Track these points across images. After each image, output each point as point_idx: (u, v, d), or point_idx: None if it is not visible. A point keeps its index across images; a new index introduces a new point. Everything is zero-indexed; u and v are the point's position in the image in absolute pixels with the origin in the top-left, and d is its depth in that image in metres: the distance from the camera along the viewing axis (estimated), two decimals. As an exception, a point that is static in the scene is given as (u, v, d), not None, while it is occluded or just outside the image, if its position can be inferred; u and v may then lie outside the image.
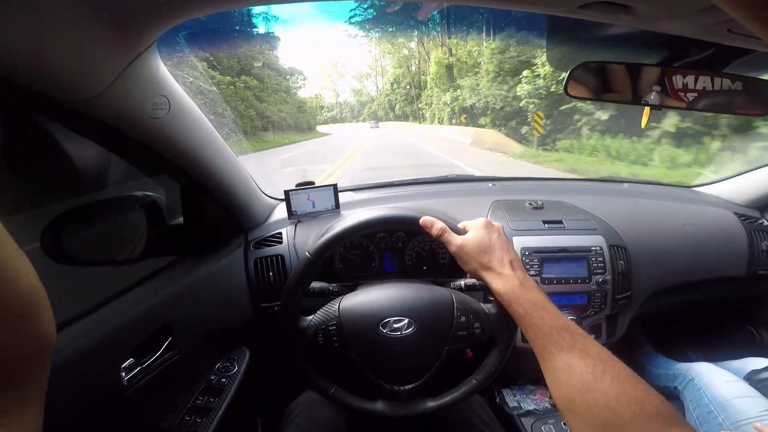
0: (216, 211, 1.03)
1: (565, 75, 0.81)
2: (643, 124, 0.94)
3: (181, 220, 1.00)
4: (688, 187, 1.70)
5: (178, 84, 0.76)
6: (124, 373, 0.76)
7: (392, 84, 69.65)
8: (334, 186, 1.28)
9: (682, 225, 1.36)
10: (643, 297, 1.26)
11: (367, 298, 0.80)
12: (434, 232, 0.74)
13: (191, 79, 0.93)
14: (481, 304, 0.79)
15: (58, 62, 0.52)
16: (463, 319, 0.76)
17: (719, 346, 1.53)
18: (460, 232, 0.75)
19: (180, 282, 0.94)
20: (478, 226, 0.74)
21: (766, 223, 1.44)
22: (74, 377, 0.67)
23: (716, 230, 1.38)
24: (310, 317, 0.79)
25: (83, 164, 0.88)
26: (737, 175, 1.57)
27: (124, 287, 0.87)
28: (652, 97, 0.81)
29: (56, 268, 0.80)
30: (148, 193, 0.93)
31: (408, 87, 62.75)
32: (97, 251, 0.92)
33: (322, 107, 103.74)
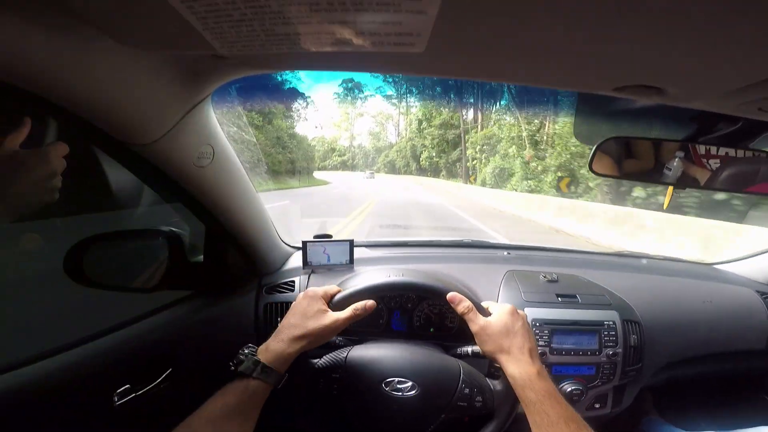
0: (235, 254, 1.07)
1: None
2: (665, 205, 0.94)
3: (200, 257, 1.04)
4: (709, 264, 1.67)
5: (223, 133, 0.81)
6: (117, 398, 0.77)
7: (420, 122, 50.70)
8: (351, 242, 1.30)
9: (701, 302, 1.33)
10: (655, 369, 1.23)
11: (377, 354, 0.81)
12: (460, 309, 0.77)
13: (234, 128, 1.00)
14: (487, 379, 0.80)
15: (127, 108, 0.56)
16: (467, 391, 0.76)
17: (732, 415, 1.45)
18: (485, 312, 0.78)
19: (190, 317, 0.97)
20: (503, 311, 0.76)
21: None
22: (69, 394, 0.70)
23: (736, 307, 1.35)
24: (316, 360, 0.80)
25: (117, 184, 0.94)
26: (760, 253, 1.54)
27: (137, 315, 0.90)
28: (677, 176, 0.82)
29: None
30: (173, 229, 0.98)
31: (444, 129, 44.60)
32: (116, 276, 0.96)
33: (333, 150, 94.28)
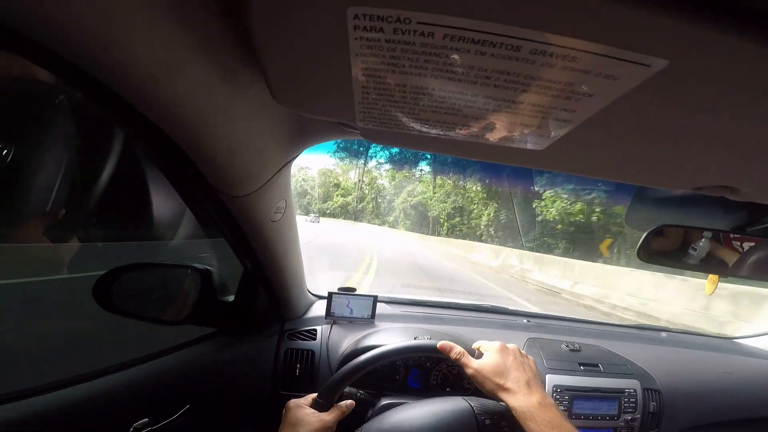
0: (265, 298, 1.08)
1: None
2: (708, 291, 0.94)
3: (229, 297, 1.03)
4: (730, 338, 1.69)
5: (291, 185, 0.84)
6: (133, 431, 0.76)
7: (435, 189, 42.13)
8: (375, 297, 1.32)
9: (721, 372, 1.36)
10: None
11: (390, 425, 0.80)
12: (452, 356, 0.79)
13: (301, 182, 1.03)
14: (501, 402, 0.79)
15: (241, 158, 0.58)
16: (488, 422, 0.76)
17: None
18: (476, 355, 0.79)
19: (213, 355, 0.97)
20: (493, 350, 0.78)
21: None
22: (87, 425, 0.68)
23: (756, 378, 1.39)
24: None
25: (160, 214, 0.95)
26: None
27: (164, 348, 0.90)
28: (724, 265, 0.84)
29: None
30: (208, 267, 0.98)
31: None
32: (143, 306, 0.94)
33: (337, 185, 68.60)
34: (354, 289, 1.32)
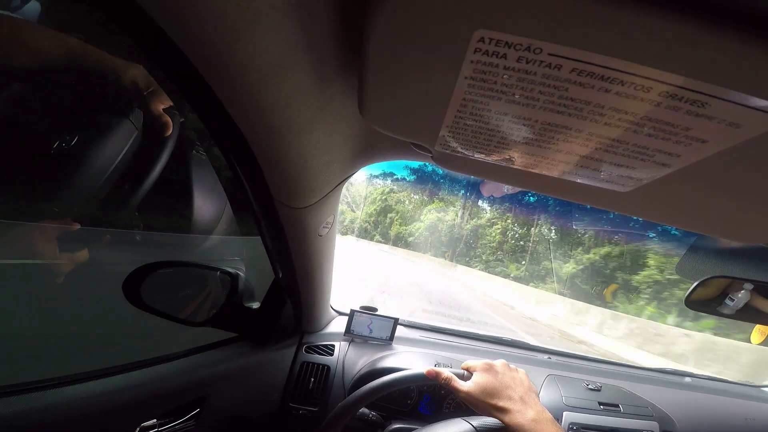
0: (290, 308, 1.06)
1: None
2: (756, 341, 0.92)
3: (253, 303, 1.02)
4: (757, 386, 1.66)
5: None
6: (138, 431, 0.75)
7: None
8: (396, 320, 1.31)
9: (743, 419, 1.35)
10: None
11: None
12: (441, 381, 0.76)
13: (349, 199, 1.03)
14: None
15: (308, 169, 0.56)
16: None
17: None
18: (465, 377, 0.77)
19: (231, 361, 0.96)
20: (480, 371, 0.76)
21: None
22: (92, 427, 0.67)
23: None
24: None
25: (200, 209, 0.95)
26: None
27: (181, 351, 0.89)
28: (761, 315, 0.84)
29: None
30: (239, 272, 0.97)
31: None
32: (169, 305, 0.93)
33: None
34: (376, 309, 1.30)
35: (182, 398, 0.83)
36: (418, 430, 0.82)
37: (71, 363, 0.74)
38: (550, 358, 1.51)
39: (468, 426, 0.77)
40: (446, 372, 0.76)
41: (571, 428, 1.12)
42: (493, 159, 0.40)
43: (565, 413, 1.14)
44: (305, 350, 1.16)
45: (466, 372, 0.78)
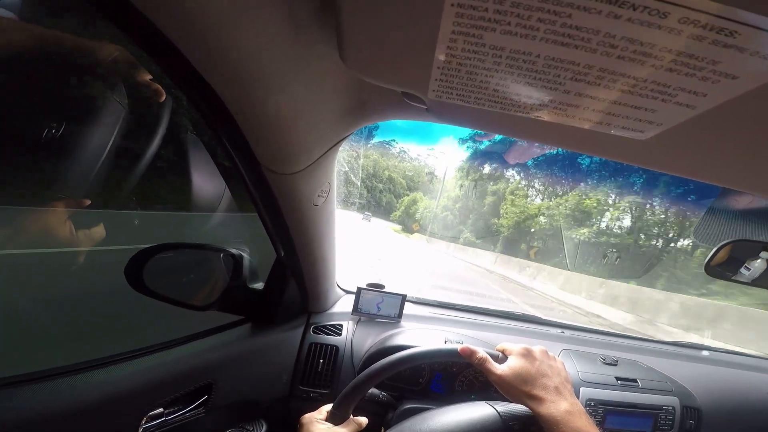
0: (295, 288, 1.05)
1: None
2: None
3: (258, 285, 1.01)
4: None
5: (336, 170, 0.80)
6: (144, 421, 0.74)
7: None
8: (404, 296, 1.29)
9: (764, 393, 1.33)
10: None
11: None
12: (474, 361, 0.74)
13: (347, 168, 1.00)
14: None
15: (292, 132, 0.54)
16: (517, 427, 0.72)
17: None
18: (500, 359, 0.75)
19: (238, 345, 0.95)
20: (517, 355, 0.74)
21: None
22: (98, 415, 0.66)
23: None
24: None
25: (200, 186, 0.93)
26: None
27: (186, 336, 0.88)
28: None
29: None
30: (242, 252, 0.95)
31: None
32: (172, 289, 0.93)
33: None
34: (383, 286, 1.28)
35: (189, 384, 0.82)
36: (434, 411, 0.79)
37: (78, 351, 0.74)
38: (563, 332, 1.49)
39: (491, 410, 0.74)
40: (481, 352, 0.74)
41: (589, 404, 1.10)
42: (491, 106, 0.37)
43: (582, 389, 1.12)
44: (313, 331, 1.14)
45: (501, 354, 0.76)
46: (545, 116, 0.37)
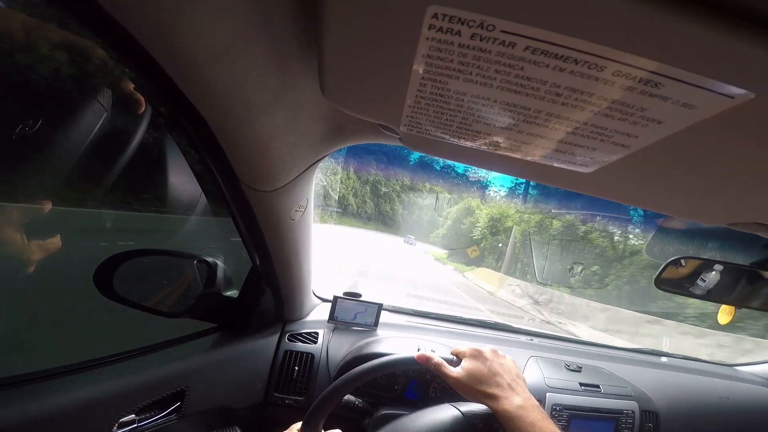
0: (270, 297, 1.05)
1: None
2: (723, 321, 0.95)
3: (232, 292, 1.00)
4: (729, 365, 1.73)
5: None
6: (116, 427, 0.73)
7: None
8: (380, 305, 1.30)
9: (718, 398, 1.41)
10: None
11: None
12: (431, 367, 0.76)
13: (324, 183, 1.01)
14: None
15: (273, 151, 0.55)
16: (481, 425, 0.74)
17: None
18: (454, 362, 0.77)
19: (211, 352, 0.94)
20: (469, 357, 0.76)
21: None
22: (69, 422, 0.65)
23: (753, 404, 1.46)
24: None
25: (176, 189, 0.92)
26: None
27: (158, 342, 0.87)
28: (742, 296, 0.86)
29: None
30: (217, 260, 0.95)
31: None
32: (144, 295, 0.91)
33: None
34: (360, 295, 1.29)
35: (162, 391, 0.81)
36: (406, 416, 0.80)
37: (43, 359, 0.71)
38: (532, 339, 1.53)
39: (456, 412, 0.77)
40: (436, 357, 0.76)
41: (555, 409, 1.14)
42: (457, 140, 0.40)
43: (548, 395, 1.16)
44: (288, 339, 1.14)
45: (455, 357, 0.78)
46: (503, 151, 0.40)
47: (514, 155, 0.40)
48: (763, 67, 0.23)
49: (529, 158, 0.40)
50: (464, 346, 0.79)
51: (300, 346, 1.14)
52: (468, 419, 0.75)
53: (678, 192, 0.44)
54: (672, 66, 0.24)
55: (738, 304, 0.89)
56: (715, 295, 0.87)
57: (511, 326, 1.63)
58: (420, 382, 1.17)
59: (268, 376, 1.09)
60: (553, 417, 1.13)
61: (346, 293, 1.27)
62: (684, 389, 1.39)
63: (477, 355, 0.76)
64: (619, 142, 0.34)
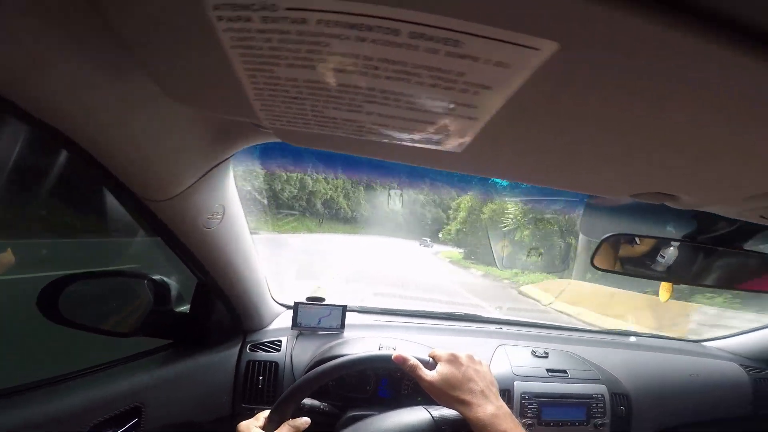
0: (223, 310, 1.05)
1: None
2: (663, 299, 0.95)
3: (185, 307, 1.00)
4: (696, 341, 1.74)
5: (236, 192, 0.81)
6: None
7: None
8: (344, 307, 1.29)
9: (687, 375, 1.40)
10: None
11: None
12: (406, 368, 0.76)
13: (249, 188, 1.01)
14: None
15: (151, 161, 0.55)
16: (449, 431, 0.75)
17: None
18: (429, 365, 0.77)
19: (166, 367, 0.94)
20: (445, 361, 0.76)
21: None
22: None
23: (721, 379, 1.44)
24: None
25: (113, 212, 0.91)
26: (746, 332, 1.66)
27: (109, 361, 0.87)
28: (675, 272, 0.85)
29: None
30: (164, 278, 0.95)
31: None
32: (93, 317, 0.91)
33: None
34: (323, 299, 1.29)
35: (114, 408, 0.81)
36: (376, 417, 0.81)
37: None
38: (501, 328, 1.53)
39: (427, 415, 0.77)
40: (412, 359, 0.76)
41: (524, 397, 1.13)
42: (322, 130, 0.39)
43: (516, 383, 1.15)
44: (249, 349, 1.14)
45: (431, 360, 0.78)
46: (372, 136, 0.38)
47: (382, 140, 0.39)
48: (555, 10, 0.21)
49: (397, 141, 0.39)
50: (442, 349, 0.80)
51: (262, 355, 1.13)
52: (438, 424, 0.75)
53: (571, 166, 0.43)
54: (460, 19, 0.22)
55: (694, 282, 0.89)
56: (672, 275, 0.87)
57: (480, 316, 1.64)
58: (391, 381, 1.17)
59: (233, 388, 1.09)
60: (522, 406, 1.12)
61: (308, 298, 1.28)
62: (654, 369, 1.39)
63: (453, 360, 0.76)
64: (464, 114, 0.32)
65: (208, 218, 0.72)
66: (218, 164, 0.65)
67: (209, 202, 0.71)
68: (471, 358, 0.78)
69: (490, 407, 0.68)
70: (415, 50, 0.25)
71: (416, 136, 0.37)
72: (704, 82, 0.25)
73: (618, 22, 0.21)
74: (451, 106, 0.31)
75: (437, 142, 0.38)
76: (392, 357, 0.77)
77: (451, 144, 0.38)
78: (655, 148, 0.35)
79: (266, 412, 0.78)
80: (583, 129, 0.34)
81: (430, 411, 0.78)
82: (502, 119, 0.32)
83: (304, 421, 0.77)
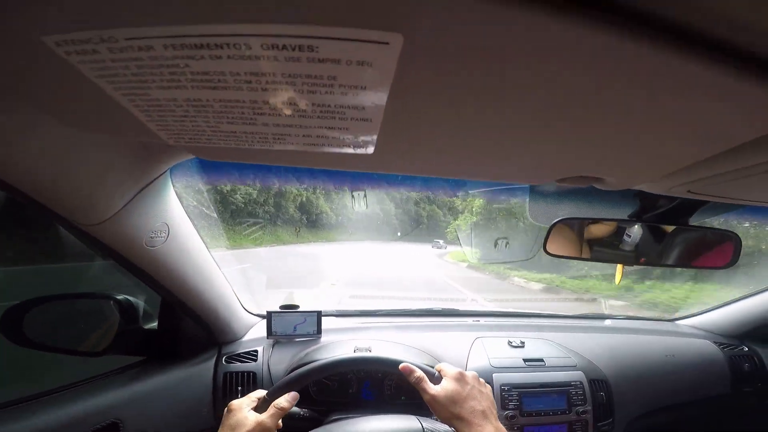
0: (192, 324, 1.05)
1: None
2: (617, 281, 0.97)
3: (153, 325, 1.01)
4: (670, 320, 1.74)
5: (182, 208, 0.81)
6: None
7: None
8: (319, 313, 1.30)
9: (664, 356, 1.40)
10: (627, 420, 1.27)
11: None
12: (412, 379, 0.77)
13: (195, 203, 1.02)
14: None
15: (71, 188, 0.55)
16: None
17: None
18: (435, 378, 0.78)
19: (140, 382, 0.95)
20: (451, 377, 0.77)
21: (746, 349, 1.50)
22: None
23: (697, 358, 1.44)
24: None
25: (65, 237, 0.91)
26: (717, 307, 1.66)
27: (81, 379, 0.88)
28: (627, 254, 0.86)
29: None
30: (128, 297, 0.96)
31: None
32: (61, 338, 0.93)
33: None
34: (297, 306, 1.30)
35: (91, 424, 0.82)
36: (365, 419, 0.82)
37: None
38: (478, 320, 1.54)
39: (418, 425, 0.78)
40: (419, 372, 0.77)
41: (503, 389, 1.13)
42: (226, 144, 0.39)
43: (494, 375, 1.16)
44: (225, 361, 1.14)
45: (437, 373, 0.79)
46: (277, 145, 0.38)
47: (294, 148, 0.39)
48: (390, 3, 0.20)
49: (309, 149, 0.39)
50: (449, 366, 0.80)
51: (239, 366, 1.13)
52: None
53: (486, 157, 0.43)
54: (301, 24, 0.22)
55: (652, 262, 0.89)
56: (630, 257, 0.87)
57: (458, 310, 1.65)
58: (374, 382, 1.17)
59: (213, 400, 1.09)
60: (503, 398, 1.12)
61: (282, 307, 1.28)
62: (630, 352, 1.38)
63: (459, 378, 0.77)
64: (355, 117, 0.31)
65: (151, 237, 0.72)
66: (149, 183, 0.65)
67: (149, 222, 0.71)
68: (477, 378, 0.79)
69: (489, 428, 0.69)
70: (276, 61, 0.25)
71: (324, 142, 0.38)
72: (571, 65, 0.24)
73: (458, 4, 0.20)
74: (339, 110, 0.31)
75: (348, 145, 0.38)
76: (399, 366, 0.79)
77: (360, 146, 0.39)
78: (565, 132, 0.35)
79: (260, 393, 0.79)
80: (483, 118, 0.33)
81: (422, 422, 0.79)
82: (398, 116, 0.32)
83: (294, 396, 0.79)
